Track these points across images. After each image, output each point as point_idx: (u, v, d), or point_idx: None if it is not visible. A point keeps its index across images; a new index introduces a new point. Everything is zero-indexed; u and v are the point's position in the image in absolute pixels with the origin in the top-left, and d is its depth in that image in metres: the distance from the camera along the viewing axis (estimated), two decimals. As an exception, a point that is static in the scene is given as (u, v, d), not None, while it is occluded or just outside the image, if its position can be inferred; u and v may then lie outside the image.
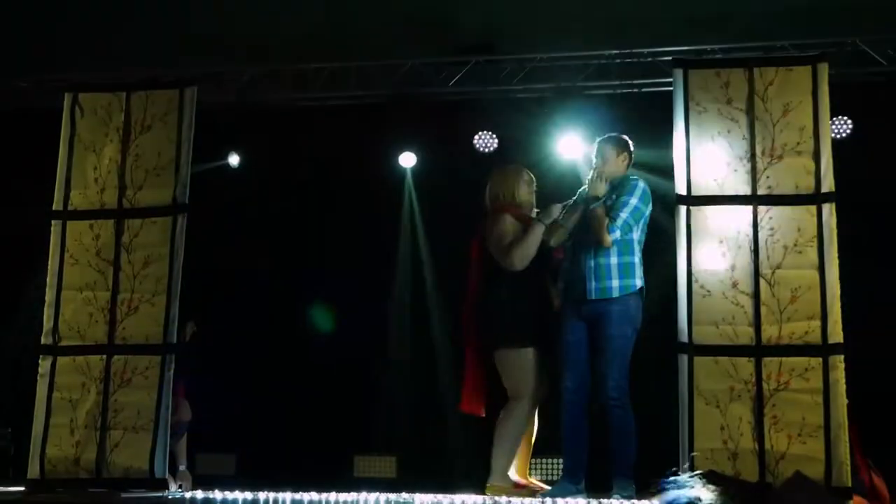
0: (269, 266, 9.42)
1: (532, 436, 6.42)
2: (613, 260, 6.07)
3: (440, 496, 6.06)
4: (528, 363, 6.16)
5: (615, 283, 6.05)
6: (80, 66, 8.65)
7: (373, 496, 6.02)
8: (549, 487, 6.26)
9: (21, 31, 8.84)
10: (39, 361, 6.23)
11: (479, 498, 5.95)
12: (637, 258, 6.09)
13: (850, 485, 5.43)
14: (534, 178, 6.52)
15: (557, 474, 7.03)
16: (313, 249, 9.44)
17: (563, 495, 6.01)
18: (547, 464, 8.72)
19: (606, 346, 6.01)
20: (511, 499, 5.98)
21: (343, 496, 6.16)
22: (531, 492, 6.15)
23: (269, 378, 9.19)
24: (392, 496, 6.22)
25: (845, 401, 5.52)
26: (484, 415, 6.34)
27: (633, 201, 6.06)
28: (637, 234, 6.11)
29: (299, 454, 8.77)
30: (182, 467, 7.21)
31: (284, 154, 9.51)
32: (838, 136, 8.44)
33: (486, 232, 6.33)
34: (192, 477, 7.42)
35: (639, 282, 6.07)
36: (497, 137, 9.29)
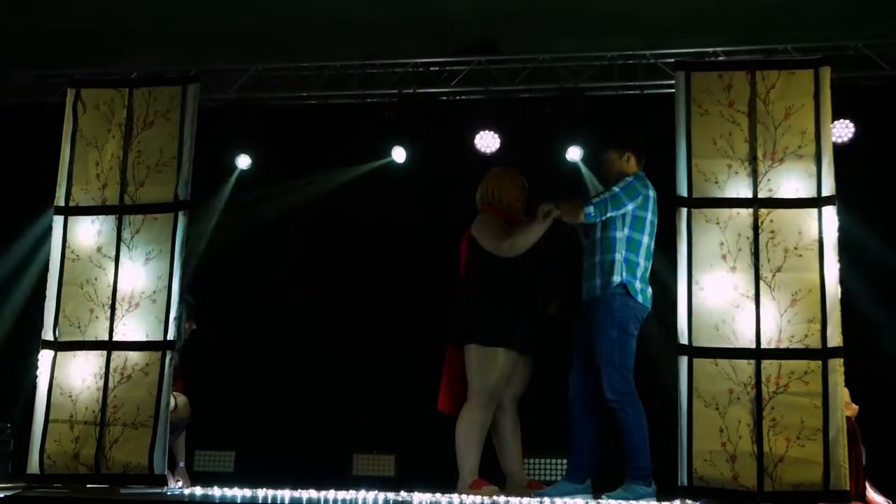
0: (268, 263, 9.41)
1: (517, 434, 6.42)
2: (596, 258, 6.10)
3: (439, 495, 6.07)
4: (491, 362, 6.14)
5: (597, 281, 6.06)
6: (82, 61, 8.64)
7: (371, 494, 6.03)
8: (546, 487, 6.27)
9: (23, 25, 8.85)
10: (40, 356, 6.23)
11: (478, 498, 5.96)
12: (620, 255, 6.04)
13: (847, 488, 5.45)
14: (525, 183, 6.52)
15: (560, 474, 7.04)
16: (313, 247, 9.44)
17: (561, 495, 6.02)
18: (549, 464, 8.73)
19: (596, 348, 6.02)
20: (510, 499, 5.99)
21: (342, 494, 6.17)
22: (492, 491, 6.12)
23: (268, 375, 9.19)
24: (391, 495, 6.23)
25: (844, 404, 5.54)
26: (456, 414, 6.33)
27: (616, 189, 6.08)
28: (624, 232, 6.07)
29: (298, 452, 8.78)
30: (181, 464, 7.21)
31: (285, 153, 9.51)
32: (840, 140, 8.44)
33: (473, 230, 6.35)
34: (191, 474, 7.41)
35: (618, 278, 6.01)
36: (498, 138, 9.29)
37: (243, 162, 9.60)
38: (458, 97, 9.39)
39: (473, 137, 9.28)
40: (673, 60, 7.00)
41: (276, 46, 9.21)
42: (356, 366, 8.99)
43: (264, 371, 9.20)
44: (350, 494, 6.11)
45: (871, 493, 6.53)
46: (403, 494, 6.34)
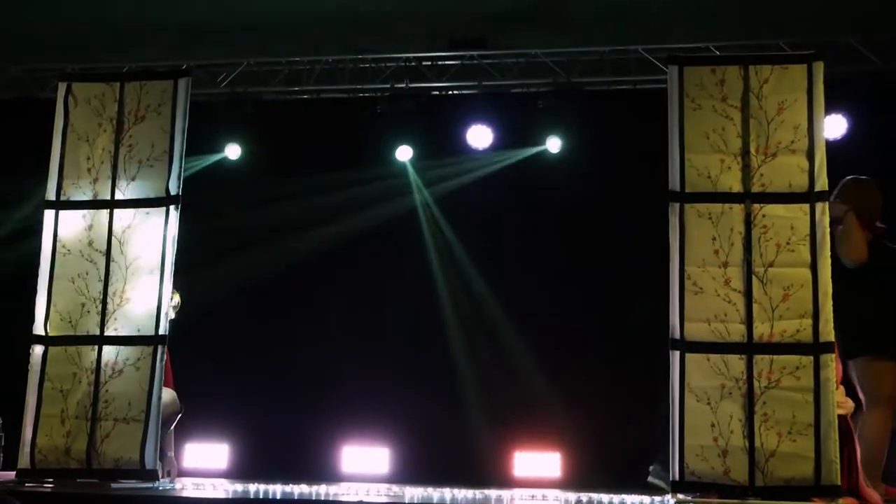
0: (262, 258, 9.39)
1: None
2: None
3: (430, 489, 6.08)
4: (886, 372, 6.13)
5: None
6: (73, 55, 8.62)
7: (363, 488, 6.03)
8: None
9: (15, 19, 8.81)
10: (31, 351, 6.21)
11: (470, 492, 5.97)
12: None
13: (839, 483, 5.45)
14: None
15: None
16: (305, 242, 9.42)
17: None
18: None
19: None
20: (500, 492, 6.00)
21: (333, 489, 6.17)
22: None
23: (261, 369, 9.17)
24: (382, 488, 6.24)
25: (835, 399, 5.54)
26: None
27: None
28: None
29: (290, 446, 8.76)
30: (170, 454, 7.20)
31: (277, 147, 9.49)
32: (832, 137, 8.44)
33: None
34: (182, 467, 7.40)
35: None
36: (490, 132, 9.28)
37: (233, 152, 9.55)
38: (450, 92, 9.38)
39: (465, 132, 9.27)
40: (665, 55, 6.99)
41: (267, 41, 9.19)
42: (348, 360, 8.97)
43: (257, 365, 9.18)
44: (342, 489, 6.11)
45: (866, 489, 6.52)
46: (395, 489, 6.35)
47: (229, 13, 8.92)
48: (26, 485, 5.88)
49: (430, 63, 9.28)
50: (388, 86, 9.28)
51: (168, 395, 6.93)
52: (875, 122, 8.56)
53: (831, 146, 6.01)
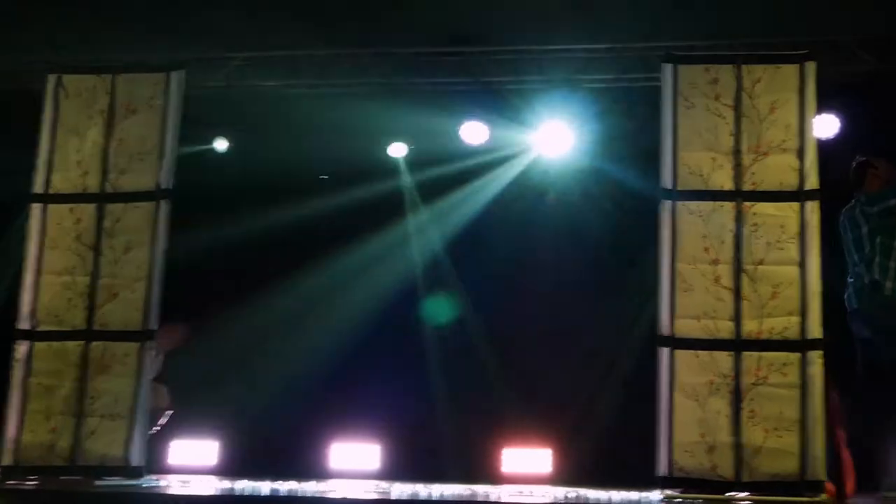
0: (254, 253, 9.37)
1: None
2: None
3: (419, 486, 6.06)
4: None
5: None
6: (64, 46, 8.57)
7: (353, 485, 6.01)
8: None
9: (3, 11, 8.78)
10: (16, 346, 6.16)
11: (459, 487, 5.95)
12: None
13: (823, 479, 5.47)
14: None
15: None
16: (297, 238, 9.39)
17: None
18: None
19: None
20: (488, 488, 5.99)
21: (322, 485, 6.15)
22: None
23: (251, 366, 9.15)
24: (372, 485, 6.22)
25: (822, 395, 5.54)
26: None
27: None
28: None
29: (280, 443, 8.75)
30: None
31: (272, 141, 9.46)
32: (824, 135, 8.41)
33: None
34: (171, 464, 7.37)
35: None
36: (486, 128, 9.26)
37: (225, 147, 9.52)
38: (446, 87, 9.34)
39: (460, 127, 9.25)
40: (661, 53, 6.96)
41: (263, 34, 9.14)
42: (338, 357, 8.96)
43: (248, 362, 9.16)
44: (331, 486, 6.09)
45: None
46: (384, 485, 6.33)
47: (225, 5, 8.88)
48: (8, 482, 5.83)
49: (425, 58, 9.23)
50: (384, 80, 9.24)
51: (158, 390, 6.92)
52: (867, 122, 8.53)
53: (823, 145, 6.01)
